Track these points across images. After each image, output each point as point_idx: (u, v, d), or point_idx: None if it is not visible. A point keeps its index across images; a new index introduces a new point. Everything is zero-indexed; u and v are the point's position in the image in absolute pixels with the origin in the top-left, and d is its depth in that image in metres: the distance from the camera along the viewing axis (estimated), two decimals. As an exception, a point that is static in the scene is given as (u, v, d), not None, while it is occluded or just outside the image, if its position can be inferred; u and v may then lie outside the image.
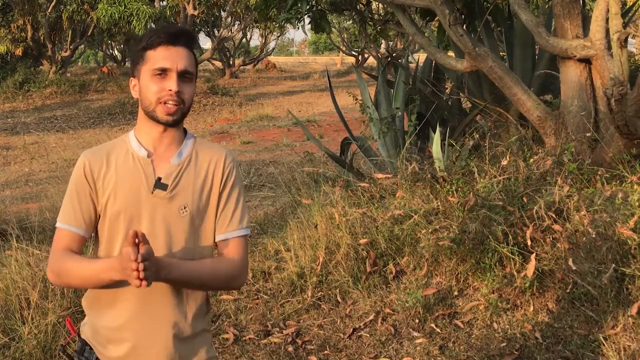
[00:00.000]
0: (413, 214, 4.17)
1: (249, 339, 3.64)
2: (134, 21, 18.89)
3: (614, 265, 3.31)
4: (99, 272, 1.61)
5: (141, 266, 1.47)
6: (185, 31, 1.73)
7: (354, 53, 34.02)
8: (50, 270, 1.70)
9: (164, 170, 1.72)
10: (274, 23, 25.83)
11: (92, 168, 1.71)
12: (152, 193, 1.70)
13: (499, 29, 6.87)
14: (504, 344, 3.34)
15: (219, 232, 1.76)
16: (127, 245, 1.49)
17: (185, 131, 1.80)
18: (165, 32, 1.68)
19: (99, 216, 1.72)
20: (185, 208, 1.72)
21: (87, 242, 1.77)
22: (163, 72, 1.66)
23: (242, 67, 33.22)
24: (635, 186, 3.82)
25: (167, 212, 1.70)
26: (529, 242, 3.63)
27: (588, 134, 4.59)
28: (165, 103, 1.66)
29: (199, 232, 1.75)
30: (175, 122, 1.70)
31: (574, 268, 3.40)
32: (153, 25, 18.61)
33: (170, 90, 1.65)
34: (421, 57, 10.47)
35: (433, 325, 3.61)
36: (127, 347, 1.73)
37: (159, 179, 1.71)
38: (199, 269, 1.70)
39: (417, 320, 3.66)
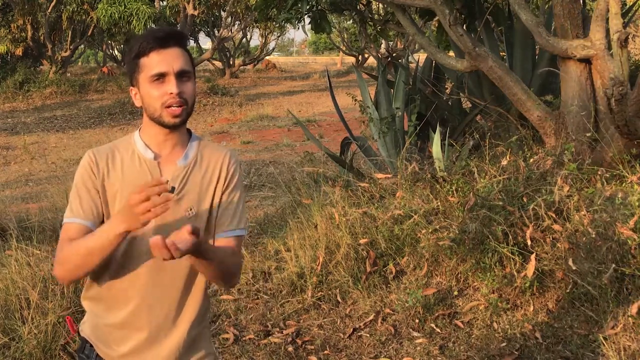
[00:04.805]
0: (413, 214, 4.17)
1: (249, 339, 3.64)
2: (134, 21, 18.89)
3: (614, 265, 3.31)
4: (104, 231, 1.57)
5: (152, 202, 1.45)
6: (174, 32, 1.72)
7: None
8: (55, 263, 1.67)
9: (171, 172, 1.73)
10: (274, 23, 25.84)
11: (98, 164, 1.71)
12: (159, 196, 1.70)
13: (499, 29, 6.87)
14: (504, 344, 3.34)
15: (220, 231, 1.77)
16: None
17: (189, 132, 1.81)
18: (154, 37, 1.67)
19: (104, 215, 1.71)
20: (191, 210, 1.73)
21: None
22: (161, 76, 1.66)
23: (242, 67, 33.23)
24: (635, 186, 3.81)
25: (174, 214, 1.70)
26: (529, 242, 3.62)
27: (588, 134, 4.59)
28: (169, 107, 1.67)
29: (203, 231, 1.75)
30: (182, 123, 1.71)
31: (574, 268, 3.40)
32: (153, 25, 18.61)
33: (172, 93, 1.66)
34: (421, 57, 10.47)
35: (433, 325, 3.61)
36: (132, 344, 1.74)
37: (166, 182, 1.71)
38: (217, 250, 1.70)
39: (417, 320, 3.66)
